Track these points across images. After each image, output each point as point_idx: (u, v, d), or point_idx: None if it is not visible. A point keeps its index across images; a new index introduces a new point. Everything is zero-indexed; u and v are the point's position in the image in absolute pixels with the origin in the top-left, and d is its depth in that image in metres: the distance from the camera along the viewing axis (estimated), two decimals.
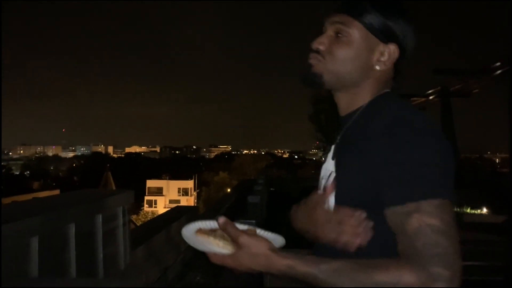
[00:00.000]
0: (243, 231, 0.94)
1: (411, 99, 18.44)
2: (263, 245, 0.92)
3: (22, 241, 2.03)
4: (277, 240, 0.99)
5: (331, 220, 0.99)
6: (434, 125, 0.94)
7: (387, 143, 0.91)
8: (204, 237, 0.97)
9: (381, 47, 1.05)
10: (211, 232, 0.97)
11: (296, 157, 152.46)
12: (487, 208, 12.97)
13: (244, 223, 0.98)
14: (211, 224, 1.00)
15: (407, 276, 0.77)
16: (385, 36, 1.05)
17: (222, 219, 0.95)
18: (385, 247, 0.90)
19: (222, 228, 0.95)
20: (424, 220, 0.82)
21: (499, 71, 14.19)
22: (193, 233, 0.99)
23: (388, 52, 1.05)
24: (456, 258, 0.79)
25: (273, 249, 0.92)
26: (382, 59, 1.06)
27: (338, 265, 0.84)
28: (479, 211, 12.86)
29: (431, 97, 18.85)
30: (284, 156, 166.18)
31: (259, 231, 0.99)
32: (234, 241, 0.94)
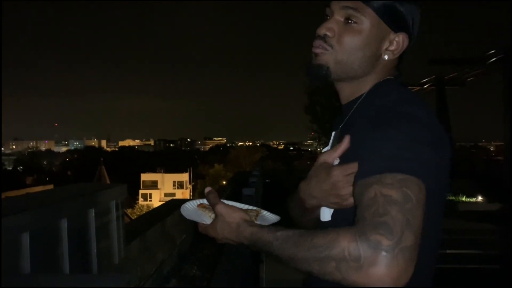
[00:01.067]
0: (221, 201, 0.98)
1: None
2: (236, 215, 0.95)
3: (13, 237, 2.00)
4: (274, 220, 1.05)
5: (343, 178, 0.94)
6: (424, 113, 0.90)
7: (370, 127, 0.90)
8: (202, 210, 1.05)
9: (391, 36, 1.01)
10: (210, 207, 1.04)
11: (291, 148, 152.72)
12: (482, 197, 13.04)
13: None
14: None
15: (342, 240, 0.74)
16: (396, 25, 1.00)
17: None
18: None
19: (205, 196, 1.00)
20: (381, 191, 0.77)
21: (493, 59, 14.23)
22: (195, 206, 1.07)
23: (397, 42, 1.01)
24: (405, 231, 0.72)
25: (245, 219, 0.94)
26: (391, 48, 1.02)
27: (292, 232, 0.83)
28: (474, 199, 12.94)
29: (425, 86, 18.89)
30: (279, 147, 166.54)
31: (265, 213, 1.05)
32: (213, 210, 0.99)
